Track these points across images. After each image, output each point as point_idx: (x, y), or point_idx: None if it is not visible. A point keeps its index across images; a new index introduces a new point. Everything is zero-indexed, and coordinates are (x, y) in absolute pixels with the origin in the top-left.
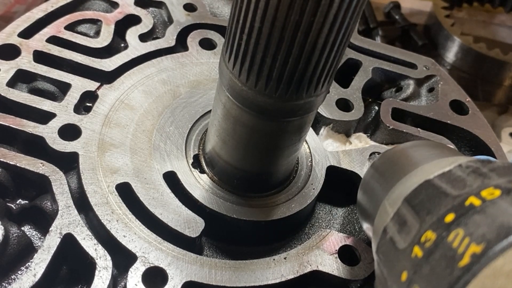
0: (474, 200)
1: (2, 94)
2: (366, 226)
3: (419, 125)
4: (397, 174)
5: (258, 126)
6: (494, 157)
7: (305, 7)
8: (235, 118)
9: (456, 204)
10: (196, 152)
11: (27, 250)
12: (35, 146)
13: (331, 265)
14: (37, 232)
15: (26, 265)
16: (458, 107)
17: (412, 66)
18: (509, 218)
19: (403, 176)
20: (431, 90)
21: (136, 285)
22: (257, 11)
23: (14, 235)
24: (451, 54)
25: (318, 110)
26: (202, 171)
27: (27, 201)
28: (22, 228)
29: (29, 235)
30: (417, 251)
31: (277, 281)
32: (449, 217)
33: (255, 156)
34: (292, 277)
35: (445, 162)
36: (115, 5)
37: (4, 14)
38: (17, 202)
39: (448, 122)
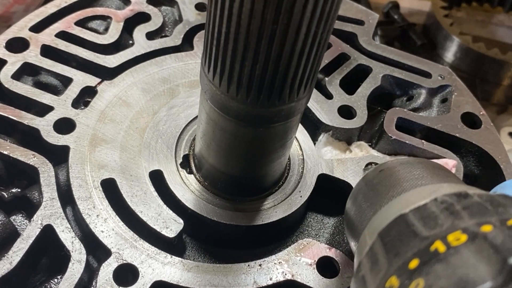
0: (439, 246)
1: (6, 85)
2: (351, 242)
3: (427, 137)
4: (383, 197)
5: (237, 132)
6: (502, 174)
7: (266, 16)
8: (214, 122)
9: (422, 248)
10: (187, 152)
11: (11, 238)
12: (32, 138)
13: (307, 276)
14: (27, 221)
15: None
16: (470, 120)
17: (427, 75)
18: (468, 271)
19: (386, 203)
20: (444, 100)
21: (106, 280)
22: (223, 15)
23: None
24: (450, 54)
25: (317, 116)
26: (190, 172)
27: (19, 190)
28: (14, 217)
29: (19, 224)
30: None
31: (249, 287)
32: (413, 263)
33: (237, 160)
34: (265, 284)
35: (425, 191)
36: (128, 3)
37: (3, 14)
38: (10, 190)
39: (457, 135)
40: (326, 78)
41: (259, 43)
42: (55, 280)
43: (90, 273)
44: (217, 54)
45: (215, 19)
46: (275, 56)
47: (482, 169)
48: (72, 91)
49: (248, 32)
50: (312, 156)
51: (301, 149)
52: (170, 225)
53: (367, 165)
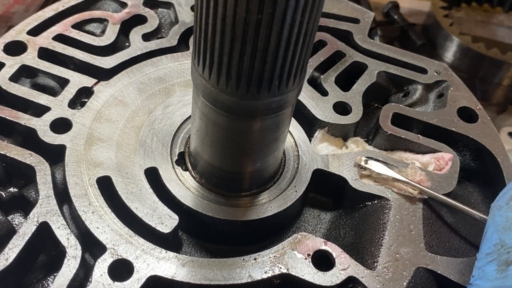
0: None
1: (4, 88)
2: None
3: (424, 132)
4: None
5: (229, 126)
6: (499, 168)
7: (250, 5)
8: (206, 117)
9: None
10: (182, 150)
11: (9, 237)
12: (29, 138)
13: (303, 269)
14: (25, 220)
15: None
16: (466, 115)
17: (423, 71)
18: None
19: None
20: (440, 96)
21: (101, 275)
22: (209, 6)
23: None
24: (449, 54)
25: (313, 112)
26: (186, 169)
27: (17, 190)
28: (12, 216)
29: (16, 223)
30: None
31: (243, 281)
32: None
33: (231, 155)
34: (260, 278)
35: None
36: (125, 6)
37: (3, 14)
38: (8, 190)
39: (453, 129)
40: (322, 76)
41: (245, 33)
42: (52, 277)
43: (86, 270)
44: (206, 46)
45: (202, 12)
46: (262, 47)
47: (478, 163)
48: (69, 92)
49: (234, 22)
50: (307, 152)
51: (296, 145)
52: (165, 221)
53: None
